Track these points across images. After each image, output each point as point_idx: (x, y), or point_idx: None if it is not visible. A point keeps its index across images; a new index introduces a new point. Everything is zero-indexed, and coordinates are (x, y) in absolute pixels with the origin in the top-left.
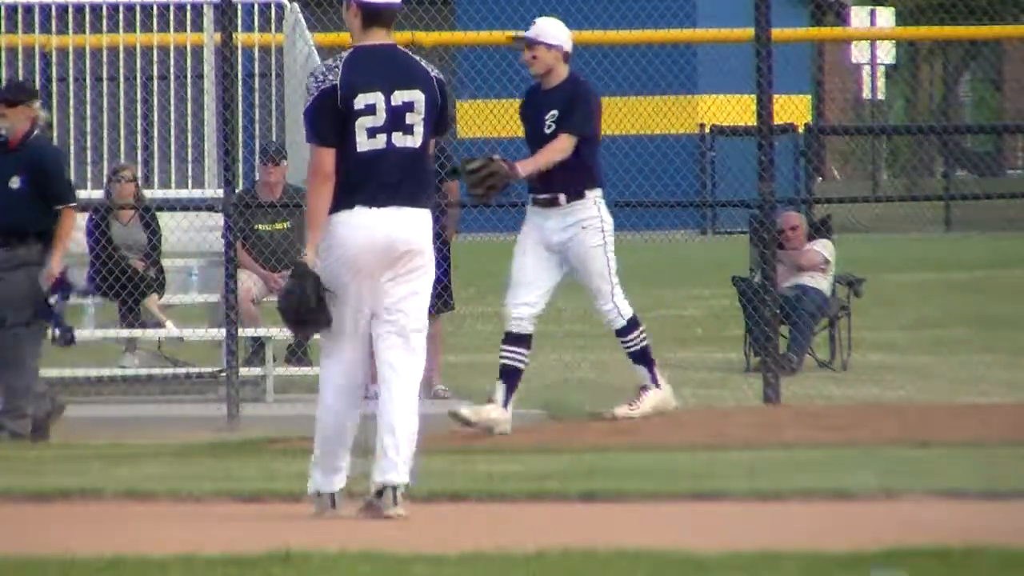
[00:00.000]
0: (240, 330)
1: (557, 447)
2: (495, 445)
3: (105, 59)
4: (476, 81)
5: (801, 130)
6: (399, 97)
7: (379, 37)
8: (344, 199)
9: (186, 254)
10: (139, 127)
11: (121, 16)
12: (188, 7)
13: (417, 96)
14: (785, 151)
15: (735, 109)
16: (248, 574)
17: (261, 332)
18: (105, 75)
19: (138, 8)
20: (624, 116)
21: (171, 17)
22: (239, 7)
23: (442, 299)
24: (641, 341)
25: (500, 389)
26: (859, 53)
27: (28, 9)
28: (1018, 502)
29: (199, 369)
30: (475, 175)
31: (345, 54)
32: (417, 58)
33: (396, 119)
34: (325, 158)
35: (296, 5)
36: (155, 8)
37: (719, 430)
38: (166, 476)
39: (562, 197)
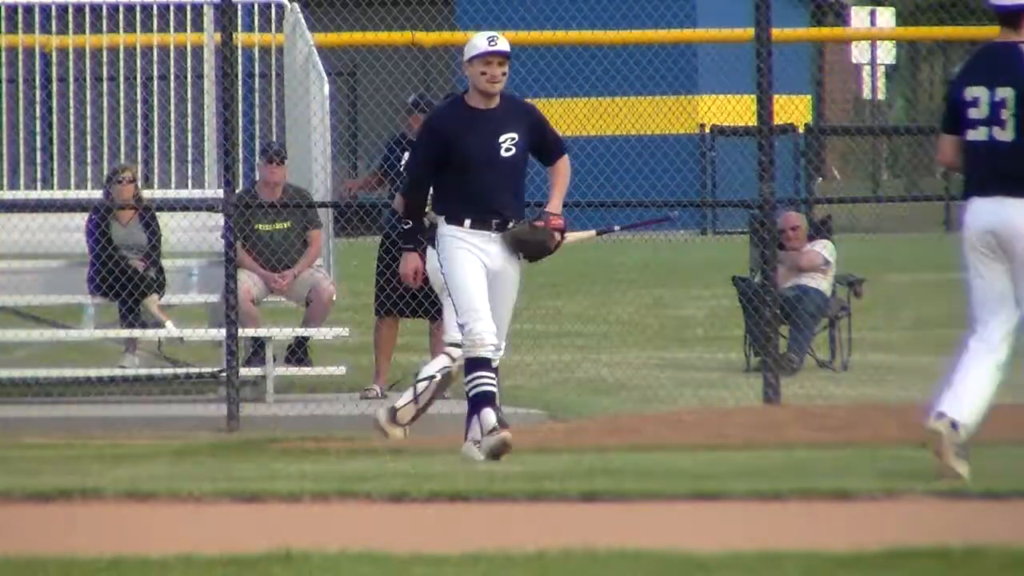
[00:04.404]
0: (240, 330)
1: (557, 447)
2: None
3: (105, 59)
4: None
5: (801, 130)
6: (999, 93)
7: (1004, 35)
8: (965, 185)
9: (186, 254)
10: (139, 127)
11: (121, 16)
12: (188, 7)
13: (1008, 93)
14: (785, 151)
15: (735, 109)
16: (248, 574)
17: (261, 332)
18: (105, 75)
19: (138, 8)
20: (624, 116)
21: (171, 17)
22: (239, 7)
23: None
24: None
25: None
26: (859, 53)
27: (28, 9)
28: (1018, 502)
29: (199, 369)
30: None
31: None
32: None
33: (995, 113)
34: (939, 145)
35: (296, 5)
36: (155, 8)
37: (719, 430)
38: (166, 476)
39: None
